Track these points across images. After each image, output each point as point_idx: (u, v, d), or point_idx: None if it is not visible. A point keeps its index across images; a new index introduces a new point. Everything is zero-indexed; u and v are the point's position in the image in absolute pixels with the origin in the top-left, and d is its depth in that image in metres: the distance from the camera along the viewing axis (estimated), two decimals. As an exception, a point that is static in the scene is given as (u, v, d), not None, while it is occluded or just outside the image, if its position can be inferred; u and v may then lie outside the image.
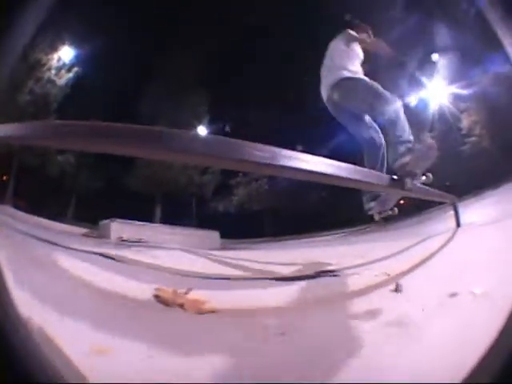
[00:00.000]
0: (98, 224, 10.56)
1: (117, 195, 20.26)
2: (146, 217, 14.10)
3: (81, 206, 21.25)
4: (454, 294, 2.15)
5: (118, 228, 8.75)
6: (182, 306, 2.05)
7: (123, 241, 7.84)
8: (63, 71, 20.05)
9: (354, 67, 4.42)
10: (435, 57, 17.48)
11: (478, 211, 7.69)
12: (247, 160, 2.02)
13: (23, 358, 0.65)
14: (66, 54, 20.00)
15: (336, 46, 4.65)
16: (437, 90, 18.24)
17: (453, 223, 5.77)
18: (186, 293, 2.20)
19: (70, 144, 2.66)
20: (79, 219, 16.72)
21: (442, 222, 6.99)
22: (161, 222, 16.41)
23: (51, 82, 19.62)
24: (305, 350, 1.62)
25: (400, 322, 1.87)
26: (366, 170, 3.36)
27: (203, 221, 17.80)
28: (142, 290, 2.28)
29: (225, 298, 2.36)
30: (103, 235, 8.86)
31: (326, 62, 4.67)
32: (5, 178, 20.20)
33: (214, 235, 10.67)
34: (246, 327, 1.90)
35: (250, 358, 1.52)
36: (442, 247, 3.94)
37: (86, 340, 1.48)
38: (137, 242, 7.56)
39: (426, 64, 18.11)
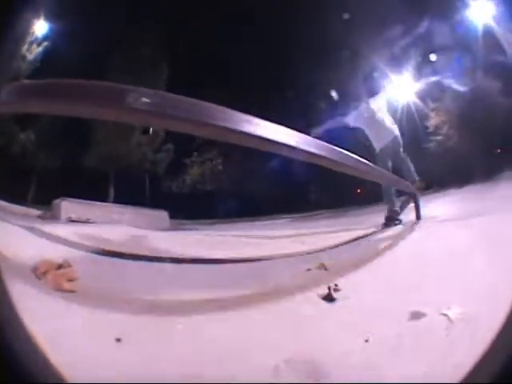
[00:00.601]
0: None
1: (73, 174, 19.41)
2: (101, 195, 13.84)
3: (41, 187, 20.05)
4: (417, 315, 1.58)
5: (68, 207, 8.44)
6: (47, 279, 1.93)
7: (72, 221, 7.49)
8: (34, 45, 18.80)
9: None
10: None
11: (439, 207, 7.64)
12: (211, 123, 1.94)
13: (23, 358, 0.63)
14: (39, 28, 18.12)
15: (370, 110, 6.36)
16: (407, 87, 18.65)
17: (413, 215, 5.77)
18: (60, 266, 2.03)
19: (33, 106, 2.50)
20: (39, 201, 16.67)
21: (403, 214, 6.91)
22: (114, 201, 16.03)
23: (22, 57, 18.12)
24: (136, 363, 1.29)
25: (315, 365, 1.25)
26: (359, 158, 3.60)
27: (156, 200, 17.72)
28: (25, 261, 2.04)
29: (106, 279, 2.11)
30: (55, 215, 8.54)
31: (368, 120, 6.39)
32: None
33: (163, 215, 10.46)
34: (88, 314, 1.63)
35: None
36: (399, 239, 3.62)
37: None
38: (85, 222, 7.24)
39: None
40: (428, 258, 2.60)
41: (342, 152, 3.31)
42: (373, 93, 6.90)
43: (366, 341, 1.40)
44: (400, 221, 5.90)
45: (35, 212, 9.46)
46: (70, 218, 7.80)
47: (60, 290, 1.80)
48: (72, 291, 1.81)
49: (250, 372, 1.25)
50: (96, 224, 6.23)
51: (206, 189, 23.15)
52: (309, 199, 18.63)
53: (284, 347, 1.41)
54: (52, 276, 1.89)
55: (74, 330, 1.42)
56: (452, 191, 11.91)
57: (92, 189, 13.03)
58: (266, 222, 12.09)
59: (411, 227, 4.53)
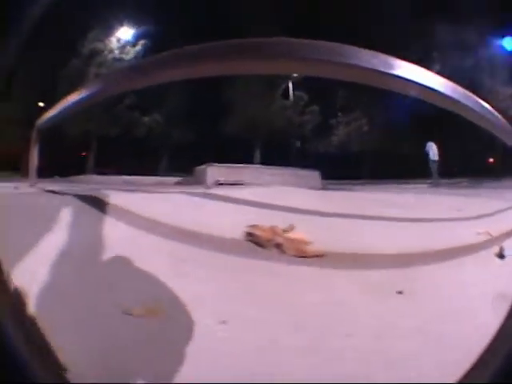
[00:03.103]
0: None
1: (212, 144, 21.70)
2: (246, 162, 13.37)
3: (173, 160, 24.02)
4: None
5: (215, 172, 8.71)
6: (279, 246, 1.65)
7: (220, 184, 7.62)
8: (128, 47, 23.63)
9: None
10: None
11: None
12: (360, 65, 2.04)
13: (23, 357, 0.65)
14: (124, 33, 23.70)
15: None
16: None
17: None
18: (286, 230, 1.76)
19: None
20: (173, 172, 18.13)
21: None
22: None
23: (119, 60, 23.17)
24: (423, 313, 1.23)
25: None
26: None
27: (303, 161, 18.28)
28: (232, 228, 1.81)
29: (335, 240, 1.81)
30: (198, 181, 8.87)
31: None
32: (84, 153, 25.01)
33: (315, 175, 10.65)
34: (359, 280, 1.47)
35: (364, 319, 1.16)
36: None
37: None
38: (233, 184, 7.17)
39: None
40: None
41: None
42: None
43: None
44: None
45: (170, 180, 9.93)
46: (218, 181, 7.99)
47: (305, 256, 1.58)
48: (320, 256, 1.58)
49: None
50: (258, 186, 5.76)
51: (352, 149, 24.13)
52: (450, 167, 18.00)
53: (481, 286, 1.44)
54: (288, 242, 1.62)
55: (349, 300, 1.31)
56: None
57: (232, 158, 12.25)
58: (412, 186, 12.00)
59: None
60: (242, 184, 7.22)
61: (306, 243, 1.66)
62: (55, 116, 4.20)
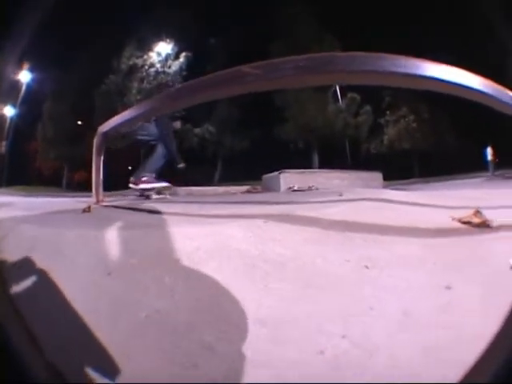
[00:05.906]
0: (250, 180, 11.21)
1: (265, 152, 21.78)
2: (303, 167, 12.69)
3: (227, 169, 23.86)
4: None
5: (288, 178, 8.67)
6: (487, 225, 1.94)
7: (294, 190, 7.56)
8: (170, 61, 23.80)
9: None
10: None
11: None
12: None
13: (23, 357, 0.65)
14: (163, 48, 23.85)
15: None
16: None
17: None
18: (480, 213, 2.02)
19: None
20: (227, 181, 18.84)
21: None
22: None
23: (162, 72, 23.41)
24: None
25: None
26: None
27: (357, 162, 18.99)
28: (444, 220, 2.05)
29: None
30: (269, 188, 8.96)
31: None
32: (130, 167, 24.22)
33: (378, 176, 10.62)
34: None
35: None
36: None
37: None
38: (308, 190, 7.14)
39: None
40: None
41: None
42: None
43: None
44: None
45: (236, 189, 9.30)
46: (292, 187, 7.97)
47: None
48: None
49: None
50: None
51: (402, 147, 23.26)
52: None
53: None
54: (489, 221, 1.90)
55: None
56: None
57: (289, 163, 12.03)
58: (461, 181, 11.88)
59: None
60: (315, 189, 7.34)
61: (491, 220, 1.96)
62: (118, 124, 3.98)
